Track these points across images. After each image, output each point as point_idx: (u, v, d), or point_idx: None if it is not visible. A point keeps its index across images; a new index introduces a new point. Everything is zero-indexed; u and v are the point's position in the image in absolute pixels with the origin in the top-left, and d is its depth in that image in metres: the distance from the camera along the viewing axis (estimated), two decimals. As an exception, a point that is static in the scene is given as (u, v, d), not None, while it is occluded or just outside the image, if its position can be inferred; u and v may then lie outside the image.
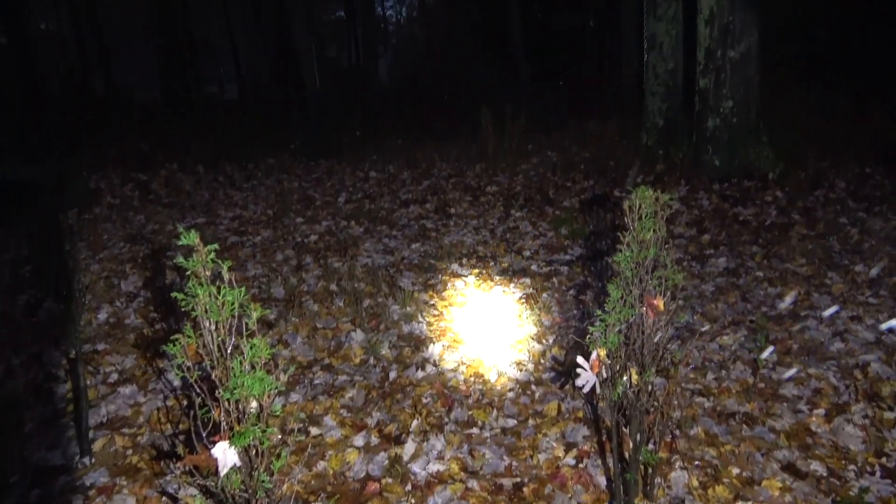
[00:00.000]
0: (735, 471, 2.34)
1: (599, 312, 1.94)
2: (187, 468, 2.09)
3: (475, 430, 2.68)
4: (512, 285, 4.28)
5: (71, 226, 2.44)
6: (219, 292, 1.47)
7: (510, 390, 2.98)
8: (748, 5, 6.33)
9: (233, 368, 1.48)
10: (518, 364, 3.22)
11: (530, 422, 2.73)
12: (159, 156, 9.05)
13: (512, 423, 2.73)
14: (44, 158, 8.80)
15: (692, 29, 6.88)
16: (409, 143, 10.69)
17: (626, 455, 2.16)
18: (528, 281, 4.33)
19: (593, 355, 1.93)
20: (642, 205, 1.90)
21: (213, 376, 1.51)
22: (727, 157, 6.63)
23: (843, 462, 2.37)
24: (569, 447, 2.52)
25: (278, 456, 1.61)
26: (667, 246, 1.97)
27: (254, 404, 1.52)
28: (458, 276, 4.49)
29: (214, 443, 1.51)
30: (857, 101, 8.84)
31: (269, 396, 1.52)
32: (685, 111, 7.92)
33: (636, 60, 12.03)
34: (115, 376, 3.22)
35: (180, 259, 1.49)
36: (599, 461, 2.42)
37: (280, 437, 2.52)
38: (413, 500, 2.28)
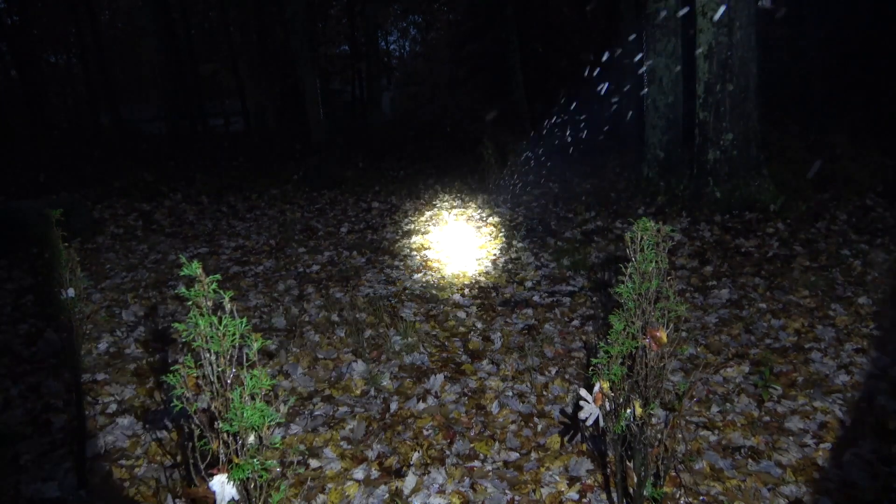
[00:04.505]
0: (742, 507, 2.30)
1: (602, 344, 1.93)
2: (185, 502, 2.06)
3: (477, 464, 2.64)
4: (514, 316, 4.26)
5: (73, 255, 2.45)
6: (220, 323, 1.47)
7: (512, 422, 2.95)
8: (746, 41, 6.43)
9: (232, 400, 1.47)
10: (520, 396, 3.19)
11: (533, 455, 2.69)
12: (163, 187, 9.13)
13: (514, 456, 2.69)
14: (50, 189, 8.88)
15: (691, 63, 6.99)
16: (411, 174, 10.79)
17: (631, 490, 2.12)
18: (530, 312, 4.32)
19: (596, 387, 1.91)
20: (644, 236, 1.90)
21: (213, 407, 1.50)
22: (728, 189, 6.67)
23: (852, 498, 2.33)
24: (572, 481, 2.48)
25: (277, 489, 1.58)
26: (669, 277, 1.97)
27: (251, 438, 1.50)
28: (460, 306, 4.48)
29: (212, 476, 1.49)
30: (854, 137, 8.95)
31: (268, 428, 1.50)
32: (685, 144, 8.00)
33: (636, 94, 12.20)
34: (113, 407, 3.20)
35: (182, 289, 1.49)
36: (604, 496, 2.38)
37: (279, 469, 2.48)
38: (413, 536, 2.24)
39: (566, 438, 2.78)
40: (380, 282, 5.11)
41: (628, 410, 1.94)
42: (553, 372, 3.45)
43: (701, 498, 2.35)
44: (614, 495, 2.22)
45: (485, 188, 8.70)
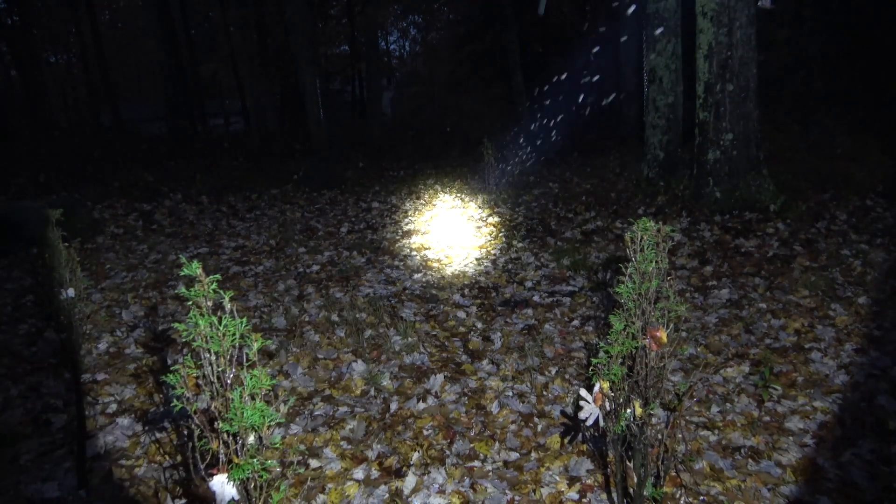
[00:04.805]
0: (742, 507, 2.30)
1: (602, 344, 1.93)
2: (185, 502, 2.06)
3: (477, 464, 2.64)
4: (514, 316, 4.26)
5: (73, 255, 2.45)
6: (220, 323, 1.47)
7: (512, 422, 2.95)
8: (746, 41, 6.43)
9: (232, 400, 1.47)
10: (520, 396, 3.19)
11: (533, 455, 2.69)
12: (163, 187, 9.13)
13: (514, 456, 2.69)
14: (50, 189, 8.88)
15: (692, 63, 6.99)
16: (411, 174, 10.79)
17: (631, 490, 2.12)
18: (530, 312, 4.32)
19: (596, 388, 1.92)
20: (644, 236, 1.90)
21: (213, 407, 1.50)
22: (728, 189, 6.67)
23: (852, 498, 2.33)
24: (572, 481, 2.48)
25: (277, 489, 1.58)
26: (669, 277, 1.97)
27: (251, 438, 1.50)
28: (460, 306, 4.48)
29: (212, 476, 1.49)
30: (854, 137, 8.96)
31: (268, 428, 1.50)
32: (685, 144, 8.00)
33: (636, 94, 12.21)
34: (113, 407, 3.20)
35: (182, 289, 1.49)
36: (604, 496, 2.38)
37: (279, 469, 2.48)
38: (413, 536, 2.24)
39: (566, 438, 2.78)
40: (380, 282, 5.11)
41: (628, 410, 1.94)
42: (553, 372, 3.45)
43: (701, 498, 2.35)
44: (614, 495, 2.22)
45: (485, 188, 8.70)
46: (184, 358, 1.54)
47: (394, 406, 3.13)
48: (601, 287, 4.71)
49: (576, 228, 6.56)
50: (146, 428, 2.95)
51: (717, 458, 2.59)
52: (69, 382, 3.30)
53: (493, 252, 5.85)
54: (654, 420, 1.98)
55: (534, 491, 2.44)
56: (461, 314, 4.34)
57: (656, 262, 1.90)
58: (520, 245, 6.00)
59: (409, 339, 3.86)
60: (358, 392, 3.30)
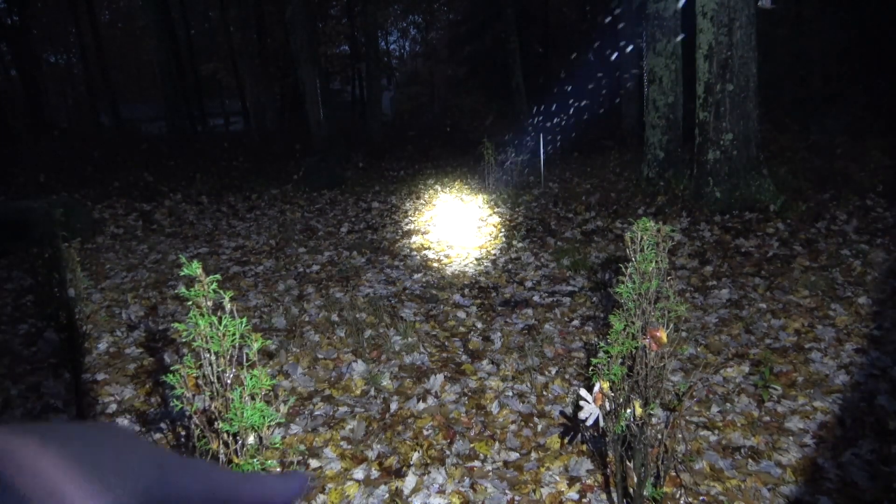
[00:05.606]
0: (742, 507, 2.29)
1: (602, 344, 1.93)
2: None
3: (477, 464, 2.64)
4: (514, 316, 4.26)
5: (73, 255, 2.45)
6: (220, 323, 1.47)
7: (512, 422, 2.95)
8: (746, 41, 6.43)
9: (232, 400, 1.47)
10: (520, 396, 3.19)
11: (533, 455, 2.69)
12: (163, 187, 9.13)
13: (514, 456, 2.69)
14: (50, 189, 8.89)
15: (691, 63, 6.99)
16: (411, 174, 10.80)
17: (631, 490, 2.12)
18: (530, 312, 4.32)
19: (596, 387, 1.91)
20: (644, 236, 1.90)
21: (213, 407, 1.50)
22: (728, 189, 6.67)
23: (852, 498, 2.33)
24: (572, 481, 2.48)
25: (277, 489, 1.58)
26: (669, 277, 1.97)
27: (251, 438, 1.50)
28: (460, 306, 4.48)
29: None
30: (854, 137, 8.97)
31: (268, 428, 1.50)
32: (685, 144, 8.00)
33: (636, 94, 12.21)
34: (113, 407, 3.20)
35: (182, 289, 1.49)
36: (604, 496, 2.38)
37: (279, 469, 2.48)
38: (413, 536, 2.24)
39: (566, 438, 2.78)
40: (380, 282, 5.10)
41: (628, 410, 1.94)
42: (553, 372, 3.44)
43: (701, 498, 2.34)
44: (614, 495, 2.22)
45: (485, 188, 8.70)
46: (184, 358, 1.54)
47: (394, 406, 3.13)
48: (601, 287, 4.70)
49: (576, 228, 6.56)
50: (146, 428, 2.95)
51: (717, 458, 2.58)
52: (69, 382, 3.30)
53: (493, 252, 5.85)
54: (654, 420, 1.98)
55: (534, 491, 2.44)
56: (461, 314, 4.34)
57: (656, 262, 1.90)
58: (520, 245, 6.00)
59: (409, 339, 3.86)
60: (358, 392, 3.30)
